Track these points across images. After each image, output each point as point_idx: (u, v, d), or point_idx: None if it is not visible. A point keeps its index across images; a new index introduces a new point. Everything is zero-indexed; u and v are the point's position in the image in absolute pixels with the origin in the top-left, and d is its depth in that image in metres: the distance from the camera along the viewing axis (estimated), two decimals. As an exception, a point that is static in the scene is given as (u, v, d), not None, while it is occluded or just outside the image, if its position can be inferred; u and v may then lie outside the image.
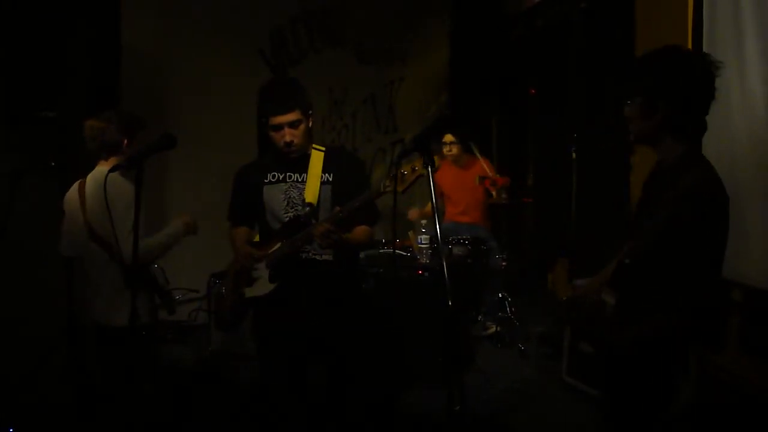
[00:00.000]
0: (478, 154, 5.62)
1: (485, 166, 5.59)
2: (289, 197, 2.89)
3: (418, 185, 2.58)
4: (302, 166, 2.90)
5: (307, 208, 2.84)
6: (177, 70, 5.51)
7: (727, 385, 3.73)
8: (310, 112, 2.85)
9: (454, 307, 2.07)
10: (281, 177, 2.92)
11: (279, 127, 2.79)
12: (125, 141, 3.14)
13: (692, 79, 2.06)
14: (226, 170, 5.79)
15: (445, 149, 5.58)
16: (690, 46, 4.16)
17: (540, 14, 6.74)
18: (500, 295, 5.50)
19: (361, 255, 5.07)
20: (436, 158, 2.19)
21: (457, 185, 5.63)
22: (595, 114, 5.77)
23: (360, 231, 2.91)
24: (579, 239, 5.62)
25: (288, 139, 2.79)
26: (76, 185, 3.24)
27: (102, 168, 3.15)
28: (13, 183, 3.37)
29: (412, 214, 5.33)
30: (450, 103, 7.22)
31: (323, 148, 2.95)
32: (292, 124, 2.79)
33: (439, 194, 5.69)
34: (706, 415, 3.54)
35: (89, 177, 3.20)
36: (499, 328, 5.28)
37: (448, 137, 5.56)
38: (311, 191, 2.85)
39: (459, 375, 2.40)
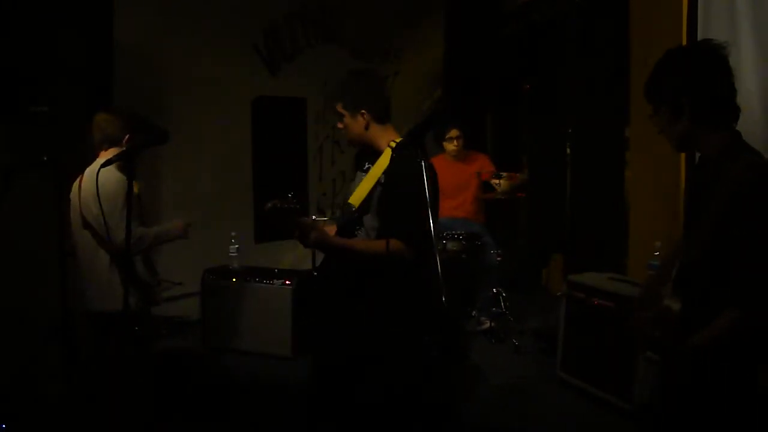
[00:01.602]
0: None
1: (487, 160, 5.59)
2: None
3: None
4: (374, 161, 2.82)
5: (348, 208, 2.76)
6: (171, 64, 5.48)
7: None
8: (363, 111, 2.74)
9: (448, 303, 2.07)
10: (365, 168, 2.85)
11: None
12: (126, 137, 3.32)
13: (704, 68, 2.06)
14: (220, 165, 5.85)
15: (451, 144, 5.56)
16: (685, 41, 4.16)
17: (535, 10, 6.73)
18: (495, 290, 5.50)
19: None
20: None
21: (454, 180, 5.62)
22: (590, 109, 5.78)
23: (377, 242, 2.65)
24: (574, 235, 5.62)
25: (339, 126, 2.82)
26: (78, 178, 3.40)
27: (101, 160, 3.32)
28: (5, 179, 3.36)
29: None
30: (444, 99, 7.21)
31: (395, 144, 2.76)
32: (338, 114, 2.79)
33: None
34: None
35: (88, 169, 3.37)
36: (493, 324, 5.28)
37: (454, 132, 5.52)
38: (359, 191, 2.75)
39: (454, 371, 2.39)
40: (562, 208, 5.55)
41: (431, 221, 2.19)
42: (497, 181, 5.35)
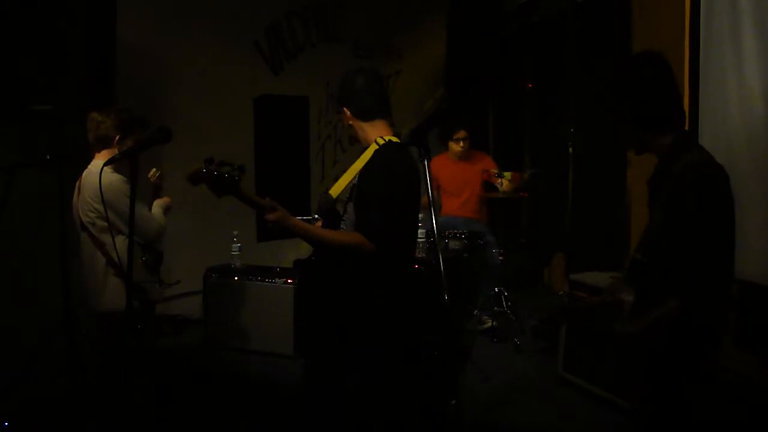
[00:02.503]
0: None
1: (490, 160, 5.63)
2: None
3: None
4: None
5: (326, 196, 2.81)
6: (173, 63, 5.48)
7: (722, 381, 3.73)
8: (344, 108, 2.84)
9: (450, 302, 2.07)
10: None
11: None
12: (117, 137, 3.31)
13: (639, 77, 2.20)
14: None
15: (457, 145, 5.56)
16: (687, 40, 4.17)
17: (536, 8, 6.73)
18: (496, 289, 5.50)
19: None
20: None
21: (456, 179, 5.62)
22: (591, 108, 5.78)
23: (345, 234, 2.67)
24: (575, 234, 5.62)
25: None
26: (79, 179, 3.40)
27: (97, 161, 3.33)
28: (8, 177, 3.37)
29: None
30: (446, 97, 7.21)
31: (382, 141, 2.78)
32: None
33: (436, 188, 5.67)
34: (701, 410, 3.55)
35: (86, 171, 3.37)
36: (495, 323, 5.28)
37: (462, 133, 5.53)
38: (339, 184, 2.80)
39: (455, 369, 2.39)
40: (564, 207, 5.56)
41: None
42: (500, 180, 5.36)
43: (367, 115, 2.82)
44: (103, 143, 3.32)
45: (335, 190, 2.77)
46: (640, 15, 5.00)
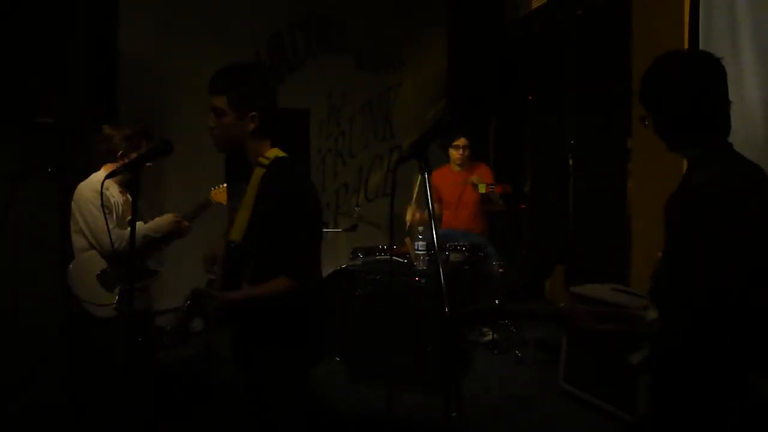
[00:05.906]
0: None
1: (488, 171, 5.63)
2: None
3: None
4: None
5: (231, 245, 2.39)
6: (174, 75, 5.50)
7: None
8: (253, 113, 2.38)
9: (451, 314, 2.06)
10: (241, 191, 2.50)
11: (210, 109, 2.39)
12: (120, 152, 3.34)
13: (666, 81, 1.98)
14: (222, 176, 5.84)
15: (457, 152, 5.57)
16: (686, 53, 4.17)
17: (537, 21, 6.76)
18: (497, 301, 5.49)
19: (359, 262, 5.07)
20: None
21: (457, 191, 5.63)
22: (592, 120, 5.79)
23: (272, 284, 2.33)
24: (577, 246, 5.62)
25: (208, 123, 2.43)
26: None
27: (99, 173, 3.35)
28: (10, 188, 3.39)
29: (409, 213, 5.33)
30: (448, 109, 7.23)
31: (267, 161, 2.42)
32: (215, 111, 2.40)
33: (437, 200, 5.67)
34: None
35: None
36: (496, 335, 5.28)
37: (462, 140, 5.54)
38: (239, 224, 2.37)
39: (456, 381, 2.37)
40: (565, 218, 5.56)
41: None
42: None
43: (271, 127, 2.44)
44: (109, 157, 3.35)
45: (238, 232, 2.38)
46: (639, 28, 5.02)
